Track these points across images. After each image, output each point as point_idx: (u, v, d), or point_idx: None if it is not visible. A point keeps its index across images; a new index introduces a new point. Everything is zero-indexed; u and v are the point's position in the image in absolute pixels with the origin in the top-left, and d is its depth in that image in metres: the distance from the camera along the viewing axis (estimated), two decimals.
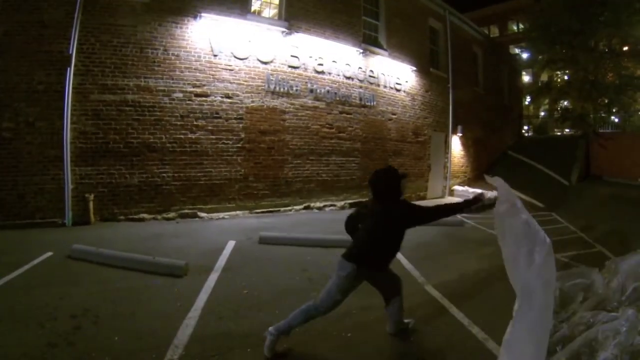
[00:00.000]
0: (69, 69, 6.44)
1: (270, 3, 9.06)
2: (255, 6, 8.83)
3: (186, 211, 7.46)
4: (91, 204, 6.58)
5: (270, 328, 2.94)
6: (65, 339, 3.09)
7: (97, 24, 6.76)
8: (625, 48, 17.48)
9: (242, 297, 4.08)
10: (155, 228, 6.67)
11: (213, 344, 3.10)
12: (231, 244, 5.94)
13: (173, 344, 3.07)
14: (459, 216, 9.64)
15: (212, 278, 4.52)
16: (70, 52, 6.46)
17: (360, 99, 10.38)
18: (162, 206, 7.26)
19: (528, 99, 24.25)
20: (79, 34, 6.55)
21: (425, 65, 12.69)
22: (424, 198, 12.58)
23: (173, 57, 7.30)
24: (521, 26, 32.94)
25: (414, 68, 12.03)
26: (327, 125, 9.65)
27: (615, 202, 12.67)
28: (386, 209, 2.94)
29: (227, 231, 6.79)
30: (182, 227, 6.88)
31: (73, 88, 6.51)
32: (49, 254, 4.97)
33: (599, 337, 2.94)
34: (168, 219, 7.22)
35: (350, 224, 3.17)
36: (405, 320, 3.35)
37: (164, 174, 7.25)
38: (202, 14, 7.54)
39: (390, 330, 3.29)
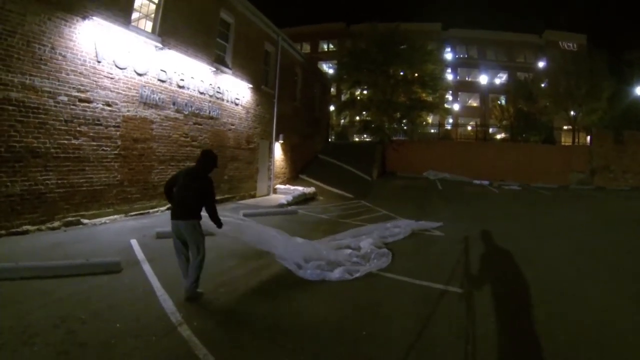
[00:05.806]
0: None
1: (147, 17, 9.23)
2: (136, 18, 8.84)
3: (70, 219, 7.12)
4: None
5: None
6: (71, 344, 2.99)
7: None
8: (417, 75, 23.78)
9: None
10: (49, 238, 6.29)
11: (195, 302, 3.99)
12: (134, 242, 6.36)
13: (169, 312, 3.66)
14: (290, 207, 12.21)
15: (146, 267, 5.07)
16: None
17: (209, 112, 11.63)
18: (46, 215, 6.73)
19: (332, 108, 28.47)
20: None
21: (259, 83, 14.81)
22: (254, 196, 14.64)
23: (60, 58, 6.83)
24: (331, 46, 38.88)
25: (251, 85, 13.97)
26: (184, 135, 10.54)
27: (406, 189, 18.01)
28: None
29: (120, 233, 7.05)
30: (74, 234, 6.69)
31: None
32: None
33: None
34: (53, 229, 6.76)
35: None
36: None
37: (48, 181, 6.74)
38: (91, 16, 7.30)
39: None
